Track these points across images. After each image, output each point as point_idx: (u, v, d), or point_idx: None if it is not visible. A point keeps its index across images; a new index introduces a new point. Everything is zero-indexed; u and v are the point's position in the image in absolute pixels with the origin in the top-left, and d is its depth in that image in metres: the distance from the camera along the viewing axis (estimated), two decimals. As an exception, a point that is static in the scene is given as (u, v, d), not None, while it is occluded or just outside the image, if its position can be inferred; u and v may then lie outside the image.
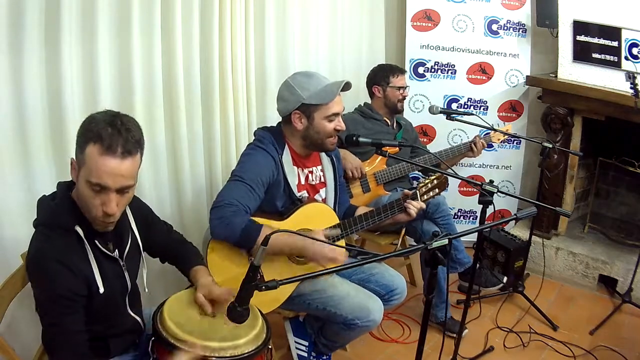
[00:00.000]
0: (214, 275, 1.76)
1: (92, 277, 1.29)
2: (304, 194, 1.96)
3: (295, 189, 1.91)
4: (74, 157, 1.27)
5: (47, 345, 1.26)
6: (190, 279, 1.61)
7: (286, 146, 1.91)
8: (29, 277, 1.29)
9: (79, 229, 1.27)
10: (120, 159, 1.22)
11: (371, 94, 2.81)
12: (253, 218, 1.72)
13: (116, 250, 1.40)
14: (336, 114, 1.87)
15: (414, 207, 1.93)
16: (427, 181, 1.98)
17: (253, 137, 1.96)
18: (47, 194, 1.37)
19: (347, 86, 1.85)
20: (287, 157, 1.90)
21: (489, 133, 2.86)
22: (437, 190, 2.00)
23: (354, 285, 1.93)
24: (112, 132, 1.21)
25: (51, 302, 1.23)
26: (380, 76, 2.76)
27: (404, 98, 2.78)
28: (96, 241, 1.32)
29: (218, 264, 1.78)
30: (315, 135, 1.88)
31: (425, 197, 1.98)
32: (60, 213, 1.29)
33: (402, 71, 2.79)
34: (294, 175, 1.92)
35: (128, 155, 1.24)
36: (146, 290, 1.57)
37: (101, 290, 1.30)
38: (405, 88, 2.77)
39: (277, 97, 1.92)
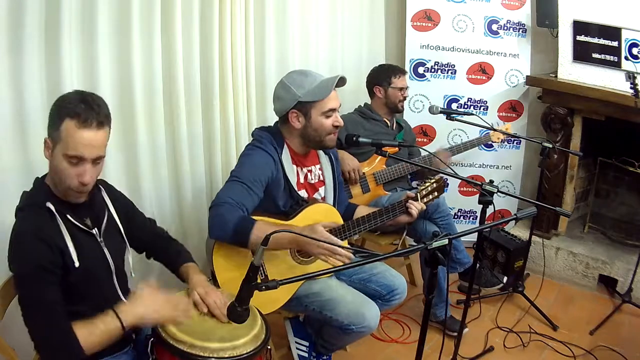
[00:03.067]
0: (219, 275, 1.77)
1: (66, 251, 1.31)
2: (303, 192, 1.96)
3: (295, 188, 1.90)
4: (47, 137, 1.34)
5: (26, 322, 1.27)
6: (181, 275, 1.62)
7: (285, 145, 1.91)
8: (9, 259, 1.31)
9: (50, 205, 1.32)
10: (95, 131, 1.31)
11: (371, 94, 2.81)
12: (258, 218, 1.72)
13: (95, 228, 1.43)
14: (333, 110, 1.86)
15: (415, 207, 1.94)
16: (427, 184, 1.99)
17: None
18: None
19: (341, 81, 1.85)
20: (286, 156, 1.90)
21: (488, 133, 2.86)
22: (436, 193, 2.01)
23: (351, 289, 1.92)
24: (86, 107, 1.30)
25: (28, 276, 1.26)
26: (381, 76, 2.76)
27: (405, 98, 2.78)
28: (68, 215, 1.35)
29: (223, 264, 1.78)
30: (314, 133, 1.88)
31: (425, 200, 1.99)
32: (32, 195, 1.37)
33: (403, 72, 2.79)
34: (293, 174, 1.92)
35: (101, 127, 1.33)
36: (132, 275, 1.60)
37: (76, 264, 1.32)
38: (406, 89, 2.77)
39: (274, 97, 1.92)
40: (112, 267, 1.46)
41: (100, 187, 1.51)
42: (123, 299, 1.47)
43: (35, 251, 1.26)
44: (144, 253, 1.72)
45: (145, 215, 1.71)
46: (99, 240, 1.43)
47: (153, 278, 2.18)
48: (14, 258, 1.30)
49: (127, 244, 1.56)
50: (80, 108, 1.29)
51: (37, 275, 1.25)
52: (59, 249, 1.30)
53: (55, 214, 1.32)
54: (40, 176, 1.43)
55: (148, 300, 1.39)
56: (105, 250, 1.44)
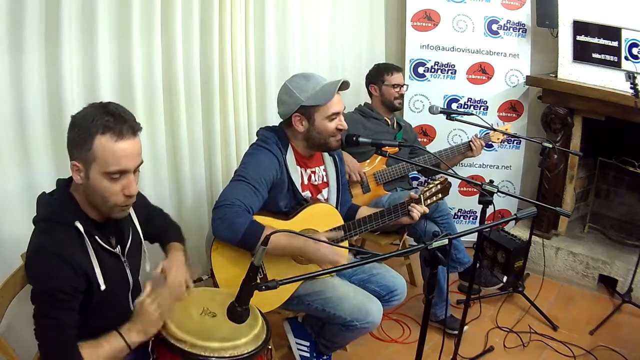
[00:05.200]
0: (217, 274, 1.77)
1: (92, 274, 1.29)
2: (307, 194, 1.96)
3: (299, 189, 1.91)
4: (75, 161, 1.27)
5: (37, 335, 1.27)
6: (165, 254, 1.62)
7: (290, 146, 1.91)
8: (27, 270, 1.30)
9: (79, 225, 1.28)
10: (132, 140, 1.28)
11: (369, 94, 2.83)
12: (257, 218, 1.72)
13: (118, 246, 1.41)
14: (336, 113, 1.86)
15: (417, 211, 1.93)
16: (430, 185, 1.98)
17: (254, 138, 1.96)
18: (47, 192, 1.37)
19: (344, 85, 1.85)
20: (290, 157, 1.90)
21: (488, 133, 2.87)
22: (440, 195, 2.00)
23: (353, 286, 1.93)
24: (115, 119, 1.26)
25: (48, 296, 1.23)
26: (375, 75, 2.78)
27: (401, 96, 2.79)
28: (96, 237, 1.32)
29: (222, 263, 1.78)
30: (318, 136, 1.88)
31: (429, 201, 1.98)
32: (60, 209, 1.30)
33: (397, 69, 2.81)
34: (297, 175, 1.91)
35: (136, 135, 1.30)
36: (148, 269, 1.58)
37: (102, 287, 1.31)
38: (402, 86, 2.77)
39: (277, 101, 1.92)
40: (131, 285, 1.45)
41: None
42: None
43: (59, 274, 1.22)
44: (157, 243, 1.71)
45: (153, 206, 1.69)
46: (122, 260, 1.41)
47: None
48: (35, 275, 1.26)
49: (145, 251, 1.55)
50: (110, 122, 1.24)
51: (57, 298, 1.23)
52: (85, 274, 1.27)
53: (84, 235, 1.28)
54: (62, 179, 1.38)
55: (146, 315, 1.35)
56: (128, 270, 1.43)
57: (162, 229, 1.69)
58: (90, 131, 1.24)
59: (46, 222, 1.29)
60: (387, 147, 2.03)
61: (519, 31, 3.25)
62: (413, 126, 3.08)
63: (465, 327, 2.44)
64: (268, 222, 1.75)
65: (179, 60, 2.16)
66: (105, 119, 1.24)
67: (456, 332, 2.33)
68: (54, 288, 1.22)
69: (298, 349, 2.08)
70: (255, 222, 1.69)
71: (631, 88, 2.46)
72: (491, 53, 3.28)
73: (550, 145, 2.43)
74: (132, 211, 1.48)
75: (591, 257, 2.99)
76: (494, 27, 3.25)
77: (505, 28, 3.25)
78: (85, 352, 1.25)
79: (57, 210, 1.30)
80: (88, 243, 1.29)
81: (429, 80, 3.35)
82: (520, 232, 3.19)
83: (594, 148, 3.15)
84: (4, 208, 1.71)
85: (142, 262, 1.55)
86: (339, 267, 1.35)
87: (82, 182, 1.28)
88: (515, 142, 3.38)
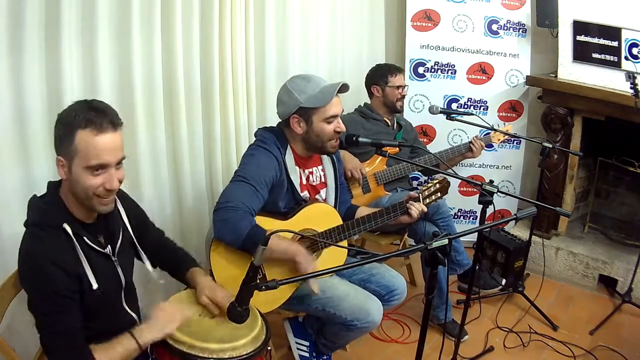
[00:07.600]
0: (216, 274, 1.77)
1: (84, 274, 1.29)
2: (306, 194, 1.96)
3: (298, 189, 1.91)
4: (60, 156, 1.28)
5: (46, 345, 1.27)
6: (187, 281, 1.61)
7: (289, 147, 1.91)
8: (20, 277, 1.29)
9: (67, 227, 1.28)
10: (112, 133, 1.27)
11: (370, 94, 2.82)
12: (257, 218, 1.72)
13: (108, 246, 1.41)
14: (335, 116, 1.86)
15: (416, 208, 1.93)
16: (429, 185, 1.98)
17: (254, 138, 1.96)
18: (38, 194, 1.37)
19: (344, 88, 1.84)
20: (289, 158, 1.90)
21: (489, 133, 2.86)
22: (439, 194, 2.00)
23: (353, 286, 1.93)
24: (97, 113, 1.26)
25: (46, 301, 1.23)
26: (378, 76, 2.76)
27: (403, 97, 2.78)
28: (85, 238, 1.32)
29: (221, 263, 1.78)
30: (315, 138, 1.88)
31: (428, 200, 1.98)
32: (48, 212, 1.31)
33: (400, 70, 2.80)
34: (296, 175, 1.92)
35: (117, 128, 1.29)
36: (161, 281, 1.62)
37: (94, 286, 1.31)
38: (404, 87, 2.77)
39: (277, 101, 1.92)
40: (123, 284, 1.45)
41: (116, 197, 1.45)
42: (129, 311, 1.46)
43: (53, 279, 1.23)
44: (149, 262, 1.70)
45: (154, 225, 1.69)
46: (113, 259, 1.41)
47: (165, 288, 2.19)
48: (29, 281, 1.27)
49: (144, 254, 1.55)
50: (91, 115, 1.25)
51: (55, 302, 1.23)
52: (77, 275, 1.27)
53: (72, 237, 1.29)
54: (53, 181, 1.38)
55: (164, 314, 1.39)
56: (119, 269, 1.43)
57: (173, 258, 1.68)
58: (72, 126, 1.25)
59: (35, 225, 1.30)
60: (387, 147, 2.03)
61: (519, 31, 3.25)
62: (413, 126, 3.08)
63: (466, 337, 2.45)
64: (267, 222, 1.75)
65: (179, 60, 2.16)
66: (87, 114, 1.25)
67: (454, 339, 2.32)
68: (51, 293, 1.22)
69: (298, 349, 2.08)
70: (258, 226, 1.69)
71: (631, 88, 2.46)
72: (491, 53, 3.28)
73: (550, 145, 2.43)
74: (121, 210, 1.48)
75: (591, 257, 2.99)
76: (494, 27, 3.25)
77: (505, 28, 3.25)
78: (99, 356, 1.25)
79: (45, 213, 1.30)
80: (77, 244, 1.29)
81: (429, 80, 3.35)
82: (520, 232, 3.19)
83: (594, 148, 3.15)
84: (3, 208, 1.72)
85: (136, 260, 1.54)
86: (339, 268, 1.35)
87: (66, 176, 1.29)
88: (515, 142, 3.38)
